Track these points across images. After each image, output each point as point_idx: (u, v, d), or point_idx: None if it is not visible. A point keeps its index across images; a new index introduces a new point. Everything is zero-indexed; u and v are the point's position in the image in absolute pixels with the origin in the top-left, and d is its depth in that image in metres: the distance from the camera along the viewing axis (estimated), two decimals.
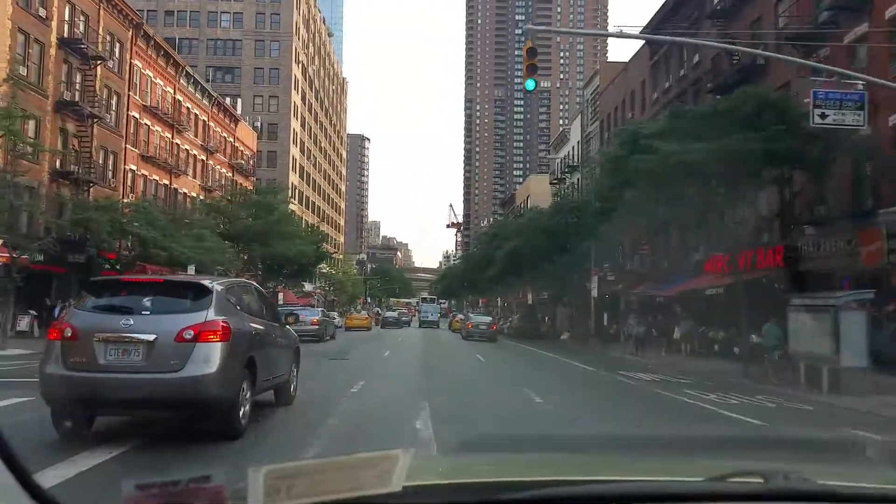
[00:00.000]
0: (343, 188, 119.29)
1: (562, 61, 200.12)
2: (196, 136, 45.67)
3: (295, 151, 75.88)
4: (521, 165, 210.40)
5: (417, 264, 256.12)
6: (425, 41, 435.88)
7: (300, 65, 77.70)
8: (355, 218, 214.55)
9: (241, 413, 7.49)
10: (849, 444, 6.28)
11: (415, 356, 25.08)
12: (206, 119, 47.30)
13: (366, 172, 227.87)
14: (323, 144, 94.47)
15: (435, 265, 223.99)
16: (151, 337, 6.92)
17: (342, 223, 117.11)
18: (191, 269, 34.36)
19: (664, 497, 1.63)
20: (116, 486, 1.83)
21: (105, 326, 7.06)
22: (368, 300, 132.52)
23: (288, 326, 10.85)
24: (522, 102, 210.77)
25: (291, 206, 76.20)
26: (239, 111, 66.09)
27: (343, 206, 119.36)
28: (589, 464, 2.45)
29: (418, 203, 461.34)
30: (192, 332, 6.98)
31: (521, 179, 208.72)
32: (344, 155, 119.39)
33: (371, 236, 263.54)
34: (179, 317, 7.15)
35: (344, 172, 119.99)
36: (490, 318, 39.40)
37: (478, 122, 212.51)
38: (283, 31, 73.78)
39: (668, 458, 3.06)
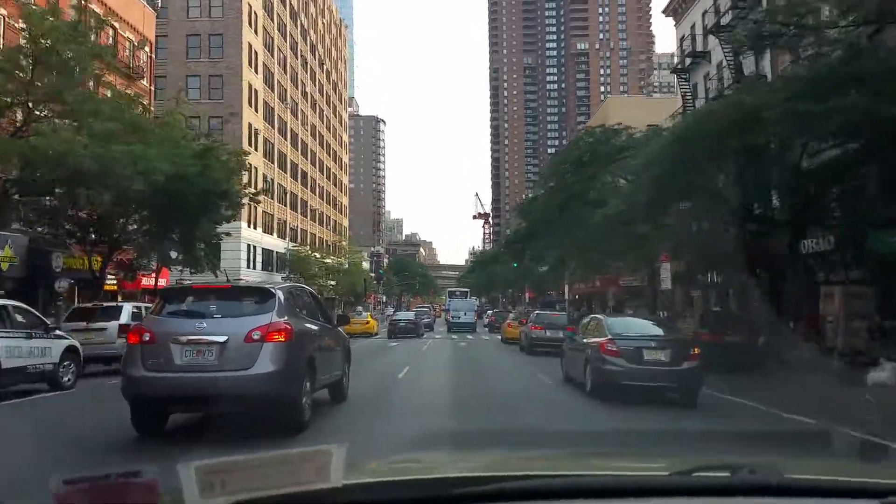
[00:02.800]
0: (346, 160, 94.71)
1: (601, 18, 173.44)
2: None
3: (253, 78, 51.21)
4: (557, 141, 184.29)
5: (443, 262, 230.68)
6: (443, 9, 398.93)
7: None
8: (371, 209, 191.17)
9: (304, 407, 8.07)
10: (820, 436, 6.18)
11: None
12: None
13: (382, 159, 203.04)
14: (308, 89, 69.82)
15: (461, 263, 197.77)
16: (223, 338, 7.48)
17: (345, 202, 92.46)
18: None
19: (626, 492, 1.57)
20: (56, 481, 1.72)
21: (180, 330, 7.64)
22: (383, 298, 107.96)
23: (339, 328, 11.08)
24: (556, 69, 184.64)
25: (252, 160, 51.86)
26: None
27: (346, 181, 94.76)
28: (551, 460, 2.28)
29: (442, 196, 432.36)
30: (259, 333, 7.52)
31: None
32: (345, 118, 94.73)
33: (393, 234, 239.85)
34: (247, 319, 7.73)
35: (346, 139, 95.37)
36: None
37: (506, 94, 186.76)
38: None
39: (637, 454, 3.38)
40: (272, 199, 55.92)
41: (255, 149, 51.24)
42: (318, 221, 73.82)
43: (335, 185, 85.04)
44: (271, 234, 54.46)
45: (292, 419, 7.79)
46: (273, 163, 56.26)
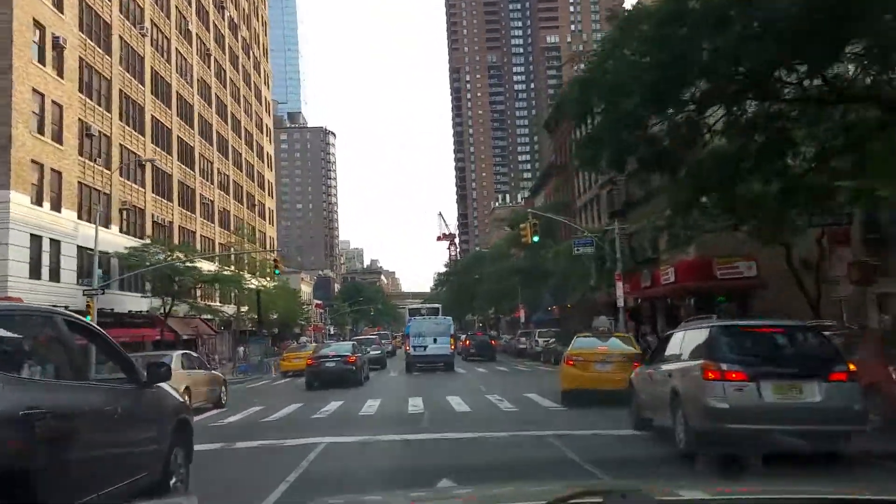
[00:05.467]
0: (270, 152, 72.78)
1: (572, 9, 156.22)
2: None
3: None
4: (528, 147, 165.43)
5: (406, 291, 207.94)
6: (397, 12, 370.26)
7: None
8: (323, 232, 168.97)
9: None
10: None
11: None
12: None
13: (333, 175, 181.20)
14: (192, 28, 48.03)
15: (426, 290, 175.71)
16: None
17: (270, 205, 70.19)
18: None
19: None
20: None
21: None
22: (329, 329, 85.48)
23: (165, 385, 5.98)
24: (523, 67, 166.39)
25: (49, 86, 30.39)
26: None
27: (272, 180, 72.59)
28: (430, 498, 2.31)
29: (404, 222, 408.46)
30: None
31: (529, 166, 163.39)
32: (266, 95, 72.91)
33: (353, 263, 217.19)
34: None
35: (268, 124, 73.45)
36: None
37: (469, 96, 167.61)
38: None
39: (514, 483, 3.36)
40: (94, 163, 33.69)
41: (60, 74, 29.21)
42: (214, 221, 51.36)
43: (250, 178, 62.92)
44: (106, 225, 32.17)
45: None
46: (108, 110, 34.21)
